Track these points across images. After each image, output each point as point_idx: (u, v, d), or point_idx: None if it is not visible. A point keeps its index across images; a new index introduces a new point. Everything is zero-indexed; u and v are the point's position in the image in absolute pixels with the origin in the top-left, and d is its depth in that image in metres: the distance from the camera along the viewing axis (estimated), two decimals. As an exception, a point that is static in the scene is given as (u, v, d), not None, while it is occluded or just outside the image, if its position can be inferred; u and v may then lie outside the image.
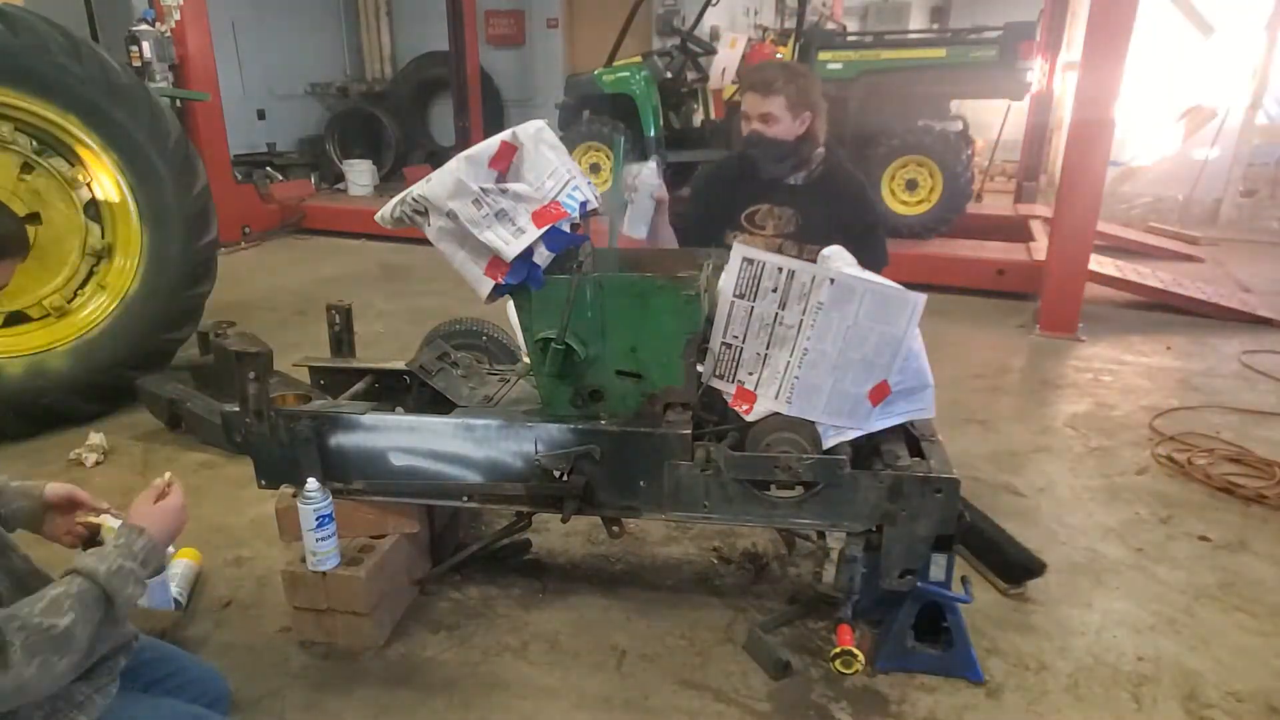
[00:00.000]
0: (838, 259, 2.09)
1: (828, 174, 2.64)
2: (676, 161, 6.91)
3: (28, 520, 1.47)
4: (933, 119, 6.07)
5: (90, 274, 3.51)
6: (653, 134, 6.63)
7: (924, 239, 5.89)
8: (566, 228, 1.83)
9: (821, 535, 2.41)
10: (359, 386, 2.29)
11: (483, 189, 1.74)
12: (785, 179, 2.62)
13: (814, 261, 2.58)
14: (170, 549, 1.45)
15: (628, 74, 6.66)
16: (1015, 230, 6.46)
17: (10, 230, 1.44)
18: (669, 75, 6.86)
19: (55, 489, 1.47)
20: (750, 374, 1.86)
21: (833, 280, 1.75)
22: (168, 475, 1.46)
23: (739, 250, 1.82)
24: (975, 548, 2.28)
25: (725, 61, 7.07)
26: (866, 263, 2.60)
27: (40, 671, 1.12)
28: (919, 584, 1.87)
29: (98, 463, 3.09)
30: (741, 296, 1.83)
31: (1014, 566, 2.25)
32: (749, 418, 1.87)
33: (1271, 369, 4.14)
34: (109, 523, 1.46)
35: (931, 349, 1.88)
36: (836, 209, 2.59)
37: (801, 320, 1.78)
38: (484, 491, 2.04)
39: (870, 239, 2.60)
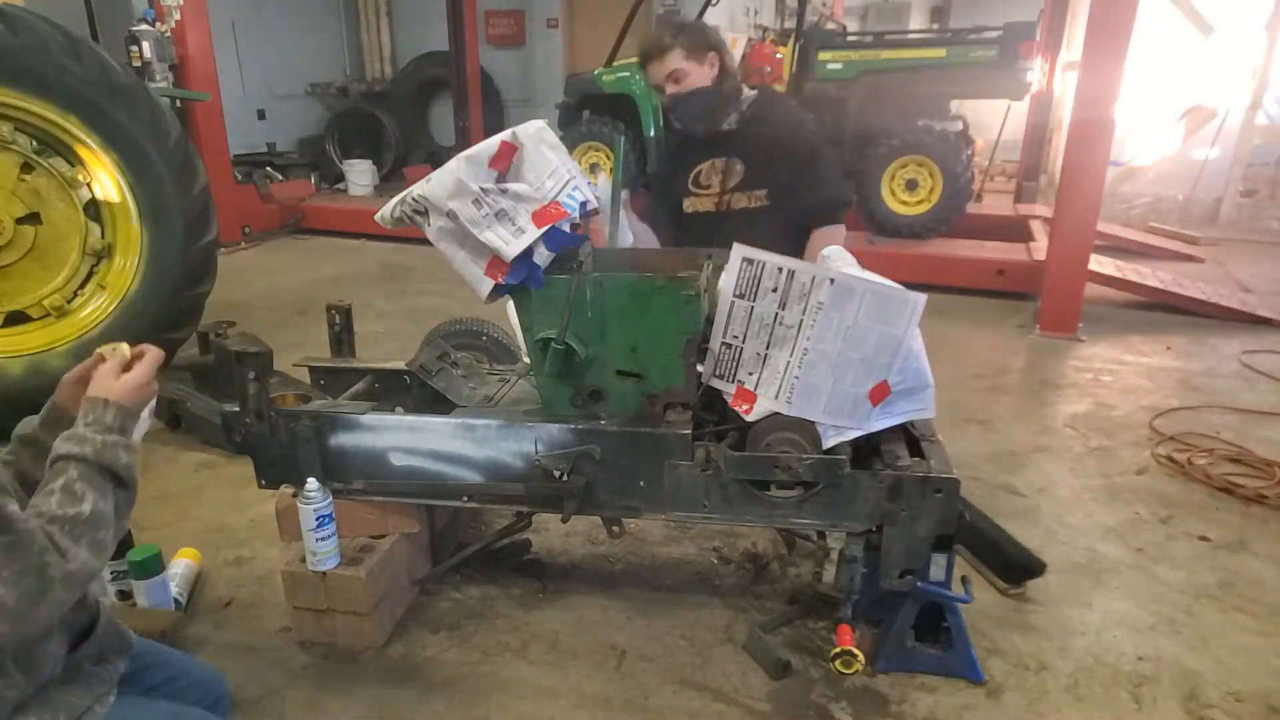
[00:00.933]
0: (838, 259, 2.09)
1: (758, 109, 2.57)
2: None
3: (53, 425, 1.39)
4: (933, 119, 6.06)
5: (90, 274, 3.51)
6: (653, 134, 6.63)
7: (924, 239, 5.89)
8: (566, 228, 1.83)
9: (821, 535, 2.41)
10: (359, 386, 2.29)
11: (483, 189, 1.74)
12: (720, 128, 2.56)
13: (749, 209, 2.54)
14: (145, 419, 1.38)
15: (628, 74, 6.66)
16: (1015, 230, 6.46)
17: None
18: (669, 75, 6.85)
19: (65, 384, 1.41)
20: (750, 374, 1.86)
21: (833, 280, 1.75)
22: (125, 347, 1.41)
23: (739, 250, 1.82)
24: (975, 547, 2.28)
25: (725, 61, 7.06)
26: (822, 197, 2.57)
27: (92, 552, 1.16)
28: (919, 584, 1.87)
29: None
30: (741, 296, 1.83)
31: (1014, 566, 2.25)
32: (749, 418, 1.87)
33: (1271, 369, 4.14)
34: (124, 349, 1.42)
35: (931, 349, 1.88)
36: (775, 143, 2.53)
37: (801, 320, 1.78)
38: (484, 491, 2.04)
39: (815, 167, 2.55)
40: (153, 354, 1.42)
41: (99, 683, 1.31)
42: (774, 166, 2.51)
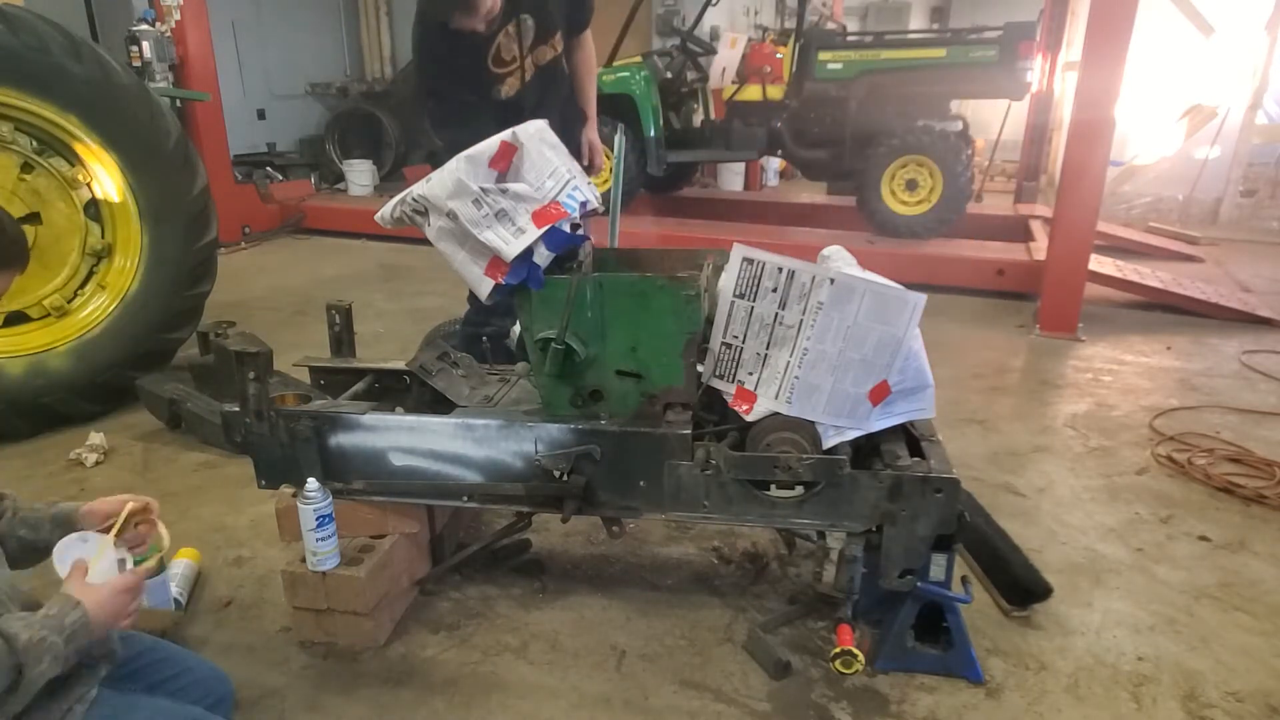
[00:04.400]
0: (838, 259, 2.09)
1: None
2: (676, 162, 6.93)
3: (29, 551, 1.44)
4: (933, 119, 6.06)
5: (90, 274, 3.51)
6: (653, 134, 6.62)
7: (924, 239, 5.89)
8: (566, 228, 1.83)
9: (821, 535, 2.41)
10: (359, 386, 2.29)
11: (483, 189, 1.74)
12: None
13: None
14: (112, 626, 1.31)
15: (628, 74, 6.66)
16: (1015, 230, 6.46)
17: (13, 239, 1.41)
18: (669, 75, 6.86)
19: (91, 511, 1.45)
20: (750, 374, 1.86)
21: (833, 280, 1.75)
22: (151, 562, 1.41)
23: (739, 250, 1.82)
24: (984, 563, 2.27)
25: (725, 61, 7.07)
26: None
27: None
28: (919, 584, 1.87)
29: (98, 463, 3.09)
30: (741, 296, 1.83)
31: (1019, 588, 2.21)
32: (749, 418, 1.87)
33: (1271, 369, 4.14)
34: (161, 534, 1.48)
35: (931, 349, 1.88)
36: None
37: (801, 320, 1.78)
38: (484, 491, 2.04)
39: None
40: (142, 571, 1.42)
41: (78, 685, 1.30)
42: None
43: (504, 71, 2.48)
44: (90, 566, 1.33)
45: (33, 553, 1.45)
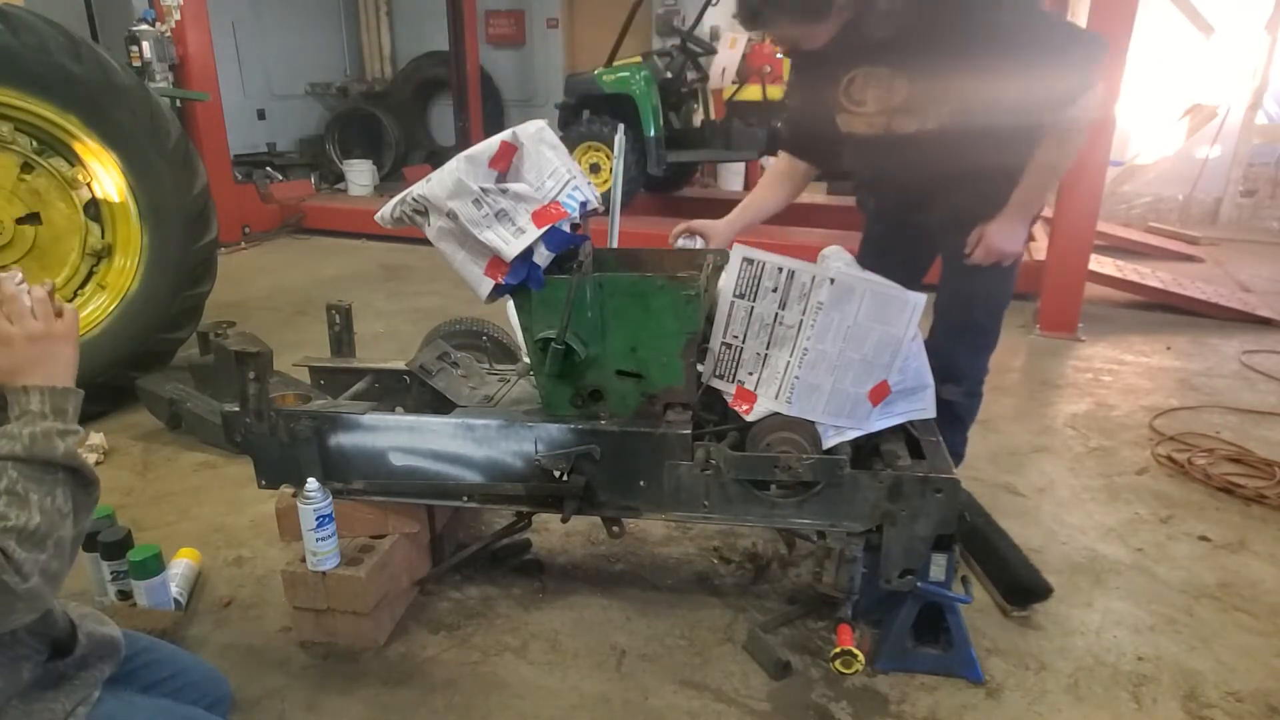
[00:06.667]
0: (837, 259, 2.09)
1: None
2: (676, 162, 6.93)
3: None
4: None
5: (90, 274, 3.51)
6: (653, 134, 6.62)
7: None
8: (566, 228, 1.83)
9: (821, 535, 2.41)
10: (359, 386, 2.29)
11: (483, 189, 1.74)
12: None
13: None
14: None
15: (628, 74, 6.66)
16: (1015, 230, 6.44)
17: None
18: (669, 75, 6.86)
19: None
20: (750, 374, 1.86)
21: (832, 280, 1.75)
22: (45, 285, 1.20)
23: (739, 250, 1.83)
24: (985, 563, 2.27)
25: (725, 61, 7.07)
26: (1053, 83, 1.86)
27: (56, 556, 1.08)
28: (919, 584, 1.87)
29: (98, 463, 3.09)
30: (741, 296, 1.83)
31: (1020, 588, 2.21)
32: (749, 418, 1.87)
33: (1271, 369, 4.14)
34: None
35: (931, 349, 1.88)
36: (937, 18, 1.88)
37: (801, 320, 1.78)
38: (484, 491, 2.04)
39: (1012, 47, 1.84)
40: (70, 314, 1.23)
41: (83, 687, 1.29)
42: (950, 56, 1.89)
43: (850, 108, 2.14)
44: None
45: None
